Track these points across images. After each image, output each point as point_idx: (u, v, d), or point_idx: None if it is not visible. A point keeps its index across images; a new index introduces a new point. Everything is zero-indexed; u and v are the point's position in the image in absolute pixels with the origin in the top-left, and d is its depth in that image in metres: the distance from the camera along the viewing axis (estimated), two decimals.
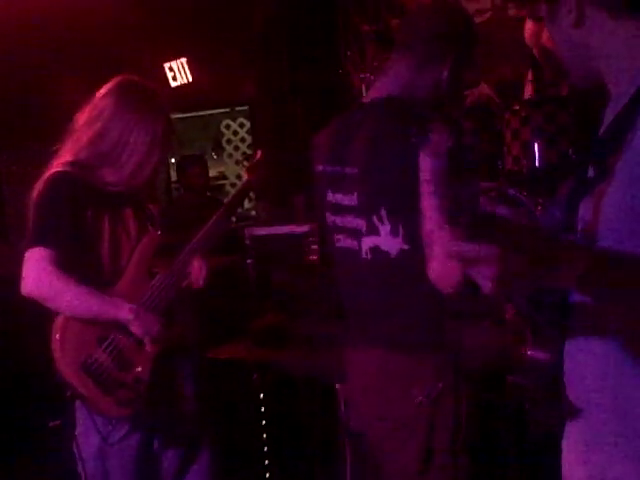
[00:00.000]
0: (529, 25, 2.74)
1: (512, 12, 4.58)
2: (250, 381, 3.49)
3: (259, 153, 3.00)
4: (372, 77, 3.96)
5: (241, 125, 8.17)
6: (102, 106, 2.44)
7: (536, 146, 2.58)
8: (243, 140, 8.21)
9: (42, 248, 2.28)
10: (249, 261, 4.55)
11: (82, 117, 2.47)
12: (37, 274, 2.28)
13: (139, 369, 2.43)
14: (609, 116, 1.32)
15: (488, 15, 4.71)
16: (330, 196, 2.18)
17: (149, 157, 2.45)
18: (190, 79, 6.11)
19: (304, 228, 4.64)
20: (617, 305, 1.16)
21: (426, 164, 1.83)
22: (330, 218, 2.20)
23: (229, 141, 8.36)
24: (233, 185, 8.12)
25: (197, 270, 2.63)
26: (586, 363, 1.30)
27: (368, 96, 2.21)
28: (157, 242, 2.59)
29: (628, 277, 1.10)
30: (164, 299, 2.50)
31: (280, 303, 3.98)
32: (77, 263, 2.35)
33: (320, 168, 2.23)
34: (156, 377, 2.46)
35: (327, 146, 2.24)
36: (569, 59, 1.41)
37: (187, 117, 7.59)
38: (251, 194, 5.85)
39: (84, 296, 2.32)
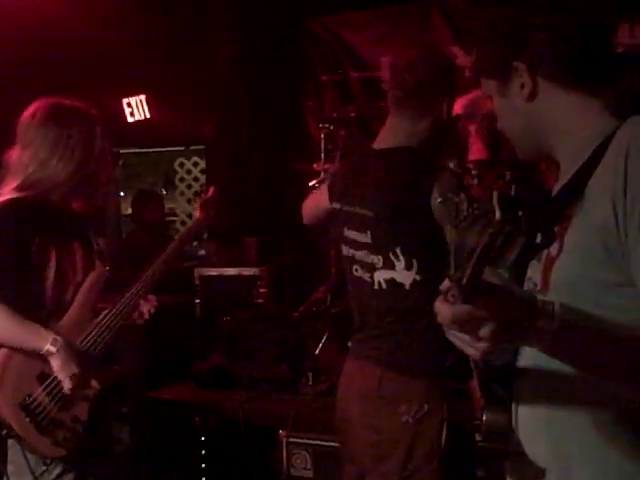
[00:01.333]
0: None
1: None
2: (191, 423, 3.45)
3: (211, 190, 3.03)
4: (331, 127, 4.03)
5: (195, 164, 8.21)
6: (32, 133, 2.44)
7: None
8: (196, 179, 8.23)
9: None
10: (197, 301, 4.54)
11: (15, 151, 2.46)
12: None
13: (77, 409, 2.38)
14: (558, 185, 1.37)
15: None
16: (346, 231, 2.43)
17: (84, 166, 2.44)
18: (147, 115, 6.12)
19: (254, 271, 4.66)
20: (583, 364, 1.20)
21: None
22: (347, 251, 2.44)
23: (182, 179, 8.37)
24: (183, 223, 8.11)
25: (144, 305, 2.63)
26: (532, 429, 1.35)
27: (376, 144, 2.41)
28: (104, 278, 2.56)
29: (592, 340, 1.15)
30: (106, 337, 2.47)
31: (225, 345, 3.96)
32: (17, 293, 2.30)
33: (337, 206, 2.48)
34: (93, 417, 2.41)
35: (340, 186, 2.49)
36: (518, 133, 1.43)
37: (140, 152, 7.60)
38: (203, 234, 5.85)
39: (9, 322, 2.26)
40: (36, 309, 2.36)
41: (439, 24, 5.25)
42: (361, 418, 2.33)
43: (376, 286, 2.31)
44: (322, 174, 3.99)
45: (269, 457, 3.25)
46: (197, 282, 4.65)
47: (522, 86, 1.36)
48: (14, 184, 2.41)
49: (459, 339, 1.13)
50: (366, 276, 2.34)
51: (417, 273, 2.23)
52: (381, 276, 2.29)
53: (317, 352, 3.57)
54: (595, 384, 1.24)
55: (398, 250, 2.24)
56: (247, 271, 4.69)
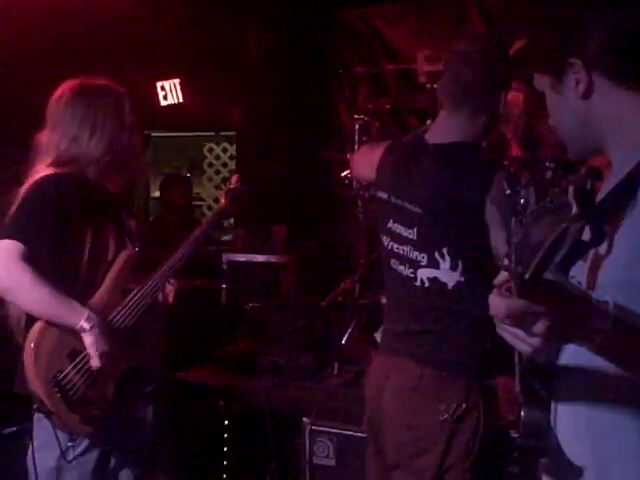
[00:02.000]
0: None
1: None
2: (215, 407, 3.47)
3: (235, 178, 3.04)
4: (366, 119, 4.02)
5: (224, 150, 8.21)
6: (60, 112, 2.47)
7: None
8: (225, 165, 8.24)
9: (15, 241, 2.25)
10: (223, 286, 4.55)
11: (45, 133, 2.49)
12: (4, 264, 2.25)
13: (105, 387, 2.41)
14: (609, 184, 1.36)
15: None
16: (390, 224, 2.39)
17: (118, 138, 2.48)
18: (181, 100, 6.13)
19: (282, 259, 4.67)
20: (632, 364, 1.19)
21: (494, 214, 1.99)
22: (387, 242, 2.41)
23: (210, 164, 8.38)
24: (209, 208, 8.13)
25: (168, 288, 2.66)
26: (571, 428, 1.34)
27: (430, 138, 2.36)
28: (135, 259, 2.58)
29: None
30: (134, 317, 2.49)
31: (251, 331, 3.97)
32: (54, 268, 2.33)
33: (384, 196, 2.43)
34: (119, 396, 2.44)
35: (390, 176, 2.43)
36: (571, 130, 1.42)
37: (167, 136, 7.62)
38: (232, 220, 5.87)
39: (46, 295, 2.28)
40: (71, 285, 2.39)
41: (475, 19, 5.20)
42: (396, 414, 2.31)
43: (418, 283, 2.30)
44: None
45: (292, 444, 3.26)
46: (224, 267, 4.66)
47: (577, 82, 1.35)
48: (48, 161, 2.44)
49: (511, 334, 1.12)
50: (408, 272, 2.33)
51: (461, 274, 2.23)
52: (425, 274, 2.28)
53: (343, 342, 3.57)
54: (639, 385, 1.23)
55: (445, 250, 2.23)
56: (275, 258, 4.70)
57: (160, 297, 2.66)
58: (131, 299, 2.51)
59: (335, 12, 5.78)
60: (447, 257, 2.23)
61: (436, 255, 2.25)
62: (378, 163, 2.48)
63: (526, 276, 0.99)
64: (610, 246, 1.28)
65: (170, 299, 2.68)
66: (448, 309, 2.26)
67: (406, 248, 2.33)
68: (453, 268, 2.23)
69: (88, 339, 2.34)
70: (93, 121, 2.46)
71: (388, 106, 4.86)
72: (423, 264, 2.28)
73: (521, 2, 4.90)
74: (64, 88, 2.52)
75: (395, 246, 2.38)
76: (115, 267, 2.50)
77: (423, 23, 5.41)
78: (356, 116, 4.12)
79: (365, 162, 2.67)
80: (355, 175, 2.85)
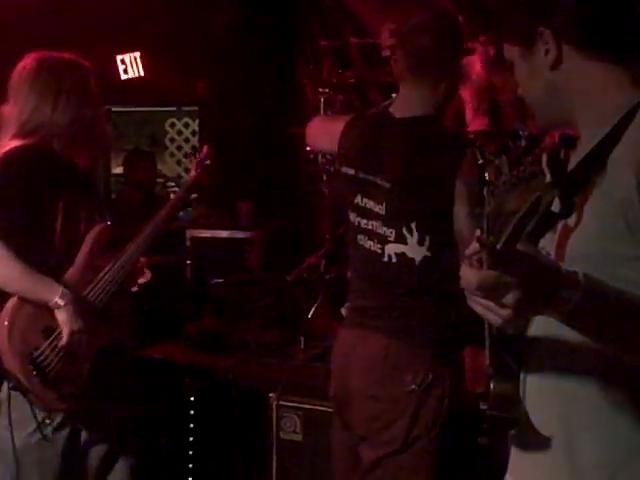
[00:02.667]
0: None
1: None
2: (181, 383, 3.45)
3: (205, 149, 3.00)
4: (330, 92, 4.00)
5: (186, 125, 8.10)
6: (22, 84, 2.44)
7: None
8: (187, 140, 8.13)
9: None
10: (188, 262, 4.51)
11: (8, 106, 2.46)
12: None
13: (80, 364, 2.40)
14: (578, 155, 1.36)
15: None
16: (358, 199, 2.37)
17: (82, 111, 2.46)
18: (142, 73, 6.03)
19: (247, 234, 4.64)
20: (601, 335, 1.19)
21: (461, 189, 2.07)
22: (354, 218, 2.39)
23: (172, 140, 8.28)
24: (171, 185, 8.04)
25: (138, 267, 2.64)
26: (540, 398, 1.35)
27: (395, 112, 2.34)
28: (107, 234, 2.55)
29: (613, 311, 1.15)
30: (107, 294, 2.47)
31: (217, 307, 3.95)
32: (27, 244, 2.29)
33: (351, 172, 2.39)
34: (95, 372, 2.43)
35: (355, 151, 2.40)
36: (541, 100, 1.42)
37: (129, 111, 7.49)
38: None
39: (19, 271, 2.26)
40: (44, 260, 2.35)
41: None
42: (363, 387, 2.33)
43: (386, 258, 2.30)
44: None
45: (259, 420, 3.25)
46: (188, 243, 4.62)
47: (547, 52, 1.35)
48: (12, 133, 2.39)
49: (482, 305, 1.12)
50: (376, 247, 2.32)
51: (428, 249, 2.23)
52: (392, 249, 2.28)
53: (309, 316, 3.57)
54: (608, 356, 1.23)
55: (413, 225, 2.23)
56: (240, 234, 4.68)
57: (138, 276, 2.65)
58: (103, 276, 2.48)
59: None
60: (415, 232, 2.23)
61: (404, 230, 2.25)
62: (341, 136, 2.45)
63: (498, 246, 0.99)
64: (579, 218, 1.28)
65: (147, 276, 2.66)
66: (415, 284, 2.27)
67: (375, 223, 2.32)
68: (420, 243, 2.24)
69: (62, 316, 2.31)
70: (56, 92, 2.42)
71: (352, 80, 4.84)
72: (391, 239, 2.28)
73: None
74: (27, 60, 2.49)
75: (363, 222, 2.37)
76: (87, 242, 2.47)
77: None
78: (320, 90, 4.10)
79: (324, 134, 2.63)
80: (312, 147, 2.84)
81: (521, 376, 1.37)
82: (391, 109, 2.38)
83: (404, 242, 2.26)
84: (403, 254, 2.26)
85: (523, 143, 1.01)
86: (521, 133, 1.02)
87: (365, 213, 2.35)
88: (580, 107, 1.37)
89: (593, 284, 1.12)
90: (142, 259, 2.70)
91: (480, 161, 1.00)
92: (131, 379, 2.76)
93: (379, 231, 2.31)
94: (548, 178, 0.98)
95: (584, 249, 1.27)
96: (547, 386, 1.34)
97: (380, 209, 2.31)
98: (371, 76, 5.00)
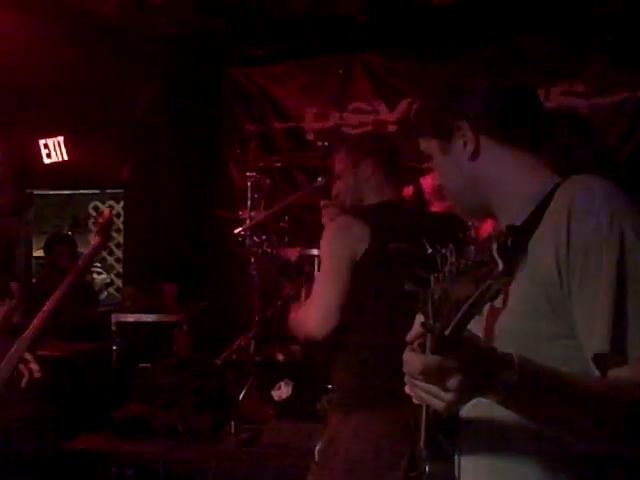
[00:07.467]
0: None
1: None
2: (108, 474, 3.34)
3: (107, 212, 2.99)
4: (257, 176, 4.07)
5: (110, 208, 8.07)
6: None
7: None
8: None
9: None
10: (114, 348, 4.41)
11: None
12: None
13: None
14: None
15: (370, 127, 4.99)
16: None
17: None
18: (65, 157, 5.98)
19: (173, 317, 4.58)
20: (536, 415, 1.21)
21: None
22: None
23: (96, 223, 8.20)
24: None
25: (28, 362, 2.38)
26: (473, 477, 1.36)
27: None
28: (11, 317, 2.47)
29: (547, 391, 1.18)
30: (5, 375, 2.34)
31: (144, 393, 3.86)
32: None
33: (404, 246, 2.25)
34: None
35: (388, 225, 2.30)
36: (460, 190, 1.46)
37: (51, 194, 7.42)
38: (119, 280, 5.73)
39: None
40: None
41: (360, 77, 5.37)
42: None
43: None
44: (247, 221, 3.99)
45: None
46: (114, 328, 4.53)
47: (465, 144, 1.39)
48: None
49: (424, 390, 1.12)
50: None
51: None
52: None
53: (240, 400, 3.53)
54: (541, 435, 1.26)
55: None
56: (166, 317, 4.62)
57: (25, 374, 2.36)
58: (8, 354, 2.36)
59: (225, 69, 5.82)
60: None
61: None
62: (359, 236, 2.26)
63: (446, 332, 1.01)
64: (506, 299, 1.33)
65: (35, 374, 2.35)
66: None
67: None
68: None
69: None
70: None
71: (278, 164, 4.93)
72: None
73: (406, 63, 5.12)
74: None
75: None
76: None
77: (310, 82, 5.54)
78: (248, 174, 4.17)
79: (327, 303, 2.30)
80: (326, 327, 2.28)
81: (455, 457, 1.39)
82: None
83: None
84: None
85: (473, 233, 1.05)
86: (470, 224, 1.06)
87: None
88: (499, 195, 1.41)
89: (526, 364, 1.15)
90: (28, 356, 2.38)
91: (429, 250, 1.03)
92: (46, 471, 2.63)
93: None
94: (500, 267, 0.98)
95: (512, 329, 1.30)
96: (482, 466, 1.35)
97: None
98: (296, 160, 5.10)
